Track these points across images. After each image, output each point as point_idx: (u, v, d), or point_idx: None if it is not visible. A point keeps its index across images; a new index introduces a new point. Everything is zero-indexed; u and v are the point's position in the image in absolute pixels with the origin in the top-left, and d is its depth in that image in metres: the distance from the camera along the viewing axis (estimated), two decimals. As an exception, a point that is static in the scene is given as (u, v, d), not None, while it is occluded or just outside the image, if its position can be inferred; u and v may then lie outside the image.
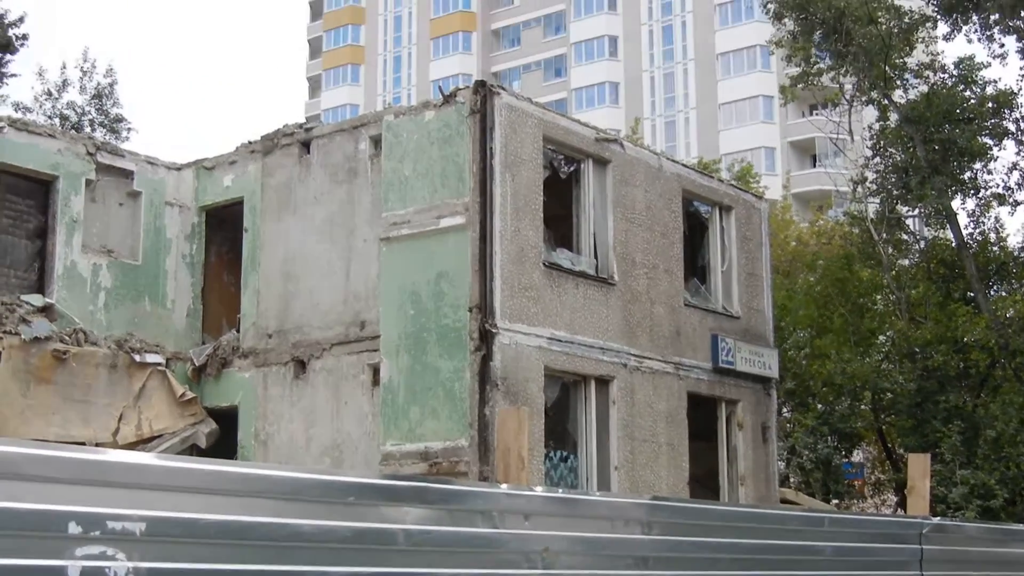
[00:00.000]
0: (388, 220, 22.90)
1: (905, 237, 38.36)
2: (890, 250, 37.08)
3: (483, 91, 22.27)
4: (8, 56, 40.41)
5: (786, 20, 37.21)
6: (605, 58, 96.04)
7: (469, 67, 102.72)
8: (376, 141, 23.73)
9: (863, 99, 37.71)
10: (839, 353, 35.11)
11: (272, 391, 24.36)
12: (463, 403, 21.38)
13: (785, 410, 38.44)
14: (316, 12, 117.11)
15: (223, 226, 26.60)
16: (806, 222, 53.57)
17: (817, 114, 59.85)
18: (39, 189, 24.46)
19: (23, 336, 22.39)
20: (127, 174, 25.68)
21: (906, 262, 38.34)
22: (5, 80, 41.25)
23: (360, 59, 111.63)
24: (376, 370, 22.73)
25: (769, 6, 37.17)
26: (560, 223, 24.32)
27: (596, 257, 24.23)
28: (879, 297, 39.00)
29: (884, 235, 36.53)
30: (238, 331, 25.35)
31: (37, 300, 23.58)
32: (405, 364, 22.17)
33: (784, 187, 66.04)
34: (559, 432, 23.23)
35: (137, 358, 24.07)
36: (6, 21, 39.90)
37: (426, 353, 21.95)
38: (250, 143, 25.90)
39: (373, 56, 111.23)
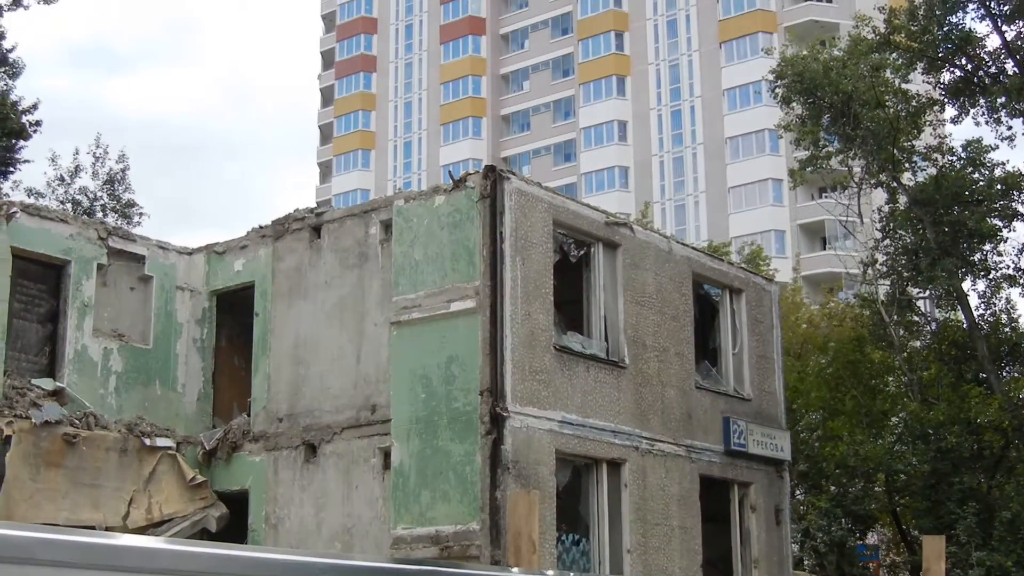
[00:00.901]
0: (399, 304, 22.93)
1: (916, 319, 38.34)
2: (901, 332, 37.04)
3: (493, 176, 22.37)
4: (22, 142, 40.72)
5: (794, 104, 37.49)
6: (614, 142, 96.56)
7: (479, 152, 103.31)
8: (387, 225, 23.81)
9: (872, 182, 37.90)
10: (852, 435, 34.97)
11: (283, 475, 24.27)
12: (474, 487, 21.28)
13: (798, 492, 38.22)
14: (327, 98, 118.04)
15: (234, 310, 26.64)
16: (817, 304, 53.55)
17: (826, 197, 60.01)
18: (51, 273, 24.55)
19: (34, 420, 22.36)
20: (138, 259, 25.77)
21: (918, 344, 38.29)
22: (19, 166, 41.55)
23: (371, 144, 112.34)
24: (387, 454, 22.65)
25: (777, 91, 37.47)
26: (570, 307, 24.32)
27: (607, 340, 24.21)
28: (891, 379, 38.91)
29: (895, 317, 36.51)
30: (248, 415, 25.31)
31: (48, 384, 23.58)
32: (416, 448, 22.10)
33: (794, 270, 66.15)
34: (571, 515, 23.08)
35: (147, 442, 24.02)
36: (20, 108, 40.25)
37: (437, 437, 21.88)
38: (261, 228, 25.99)
39: (384, 141, 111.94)
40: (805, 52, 37.69)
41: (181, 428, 25.41)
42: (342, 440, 23.51)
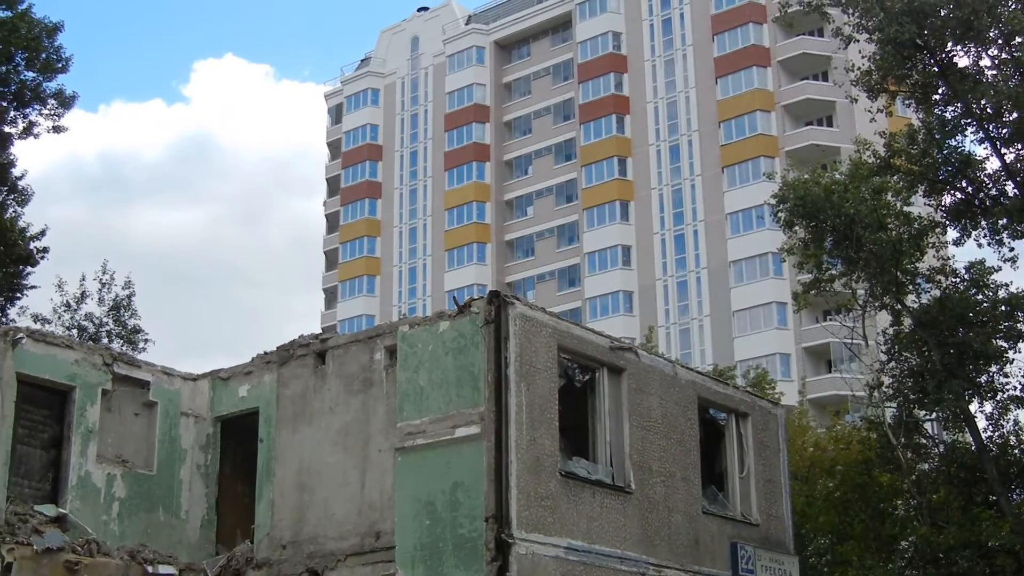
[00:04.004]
0: (403, 430, 22.84)
1: (924, 441, 38.10)
2: (909, 454, 36.79)
3: (497, 301, 22.41)
4: (29, 268, 40.92)
5: (797, 228, 37.65)
6: (619, 267, 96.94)
7: (484, 277, 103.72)
8: (391, 351, 23.81)
9: (876, 304, 37.91)
10: (861, 560, 34.62)
11: (286, 604, 23.98)
12: (479, 615, 21.02)
13: (808, 619, 37.70)
14: (332, 225, 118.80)
15: (238, 436, 26.55)
16: (823, 427, 53.28)
17: (831, 319, 60.06)
18: (56, 399, 24.52)
19: (35, 547, 22.20)
20: (143, 384, 25.77)
21: (926, 466, 38.00)
22: (25, 292, 41.70)
23: (376, 270, 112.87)
24: (391, 581, 22.41)
25: (779, 215, 37.63)
26: (576, 432, 24.22)
27: (612, 466, 24.07)
28: (900, 502, 38.55)
29: (902, 440, 36.30)
30: (252, 542, 25.11)
31: (50, 510, 23.44)
32: (420, 575, 21.86)
33: (800, 393, 65.90)
34: (578, 644, 22.77)
35: (150, 569, 23.79)
36: (28, 235, 40.53)
37: (442, 564, 21.66)
38: (266, 354, 26.00)
39: (389, 267, 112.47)
40: (807, 176, 37.94)
41: (184, 555, 25.19)
42: (346, 567, 23.29)
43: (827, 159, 67.66)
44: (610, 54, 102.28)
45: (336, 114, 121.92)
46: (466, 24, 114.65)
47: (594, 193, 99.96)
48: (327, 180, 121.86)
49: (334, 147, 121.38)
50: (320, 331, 29.36)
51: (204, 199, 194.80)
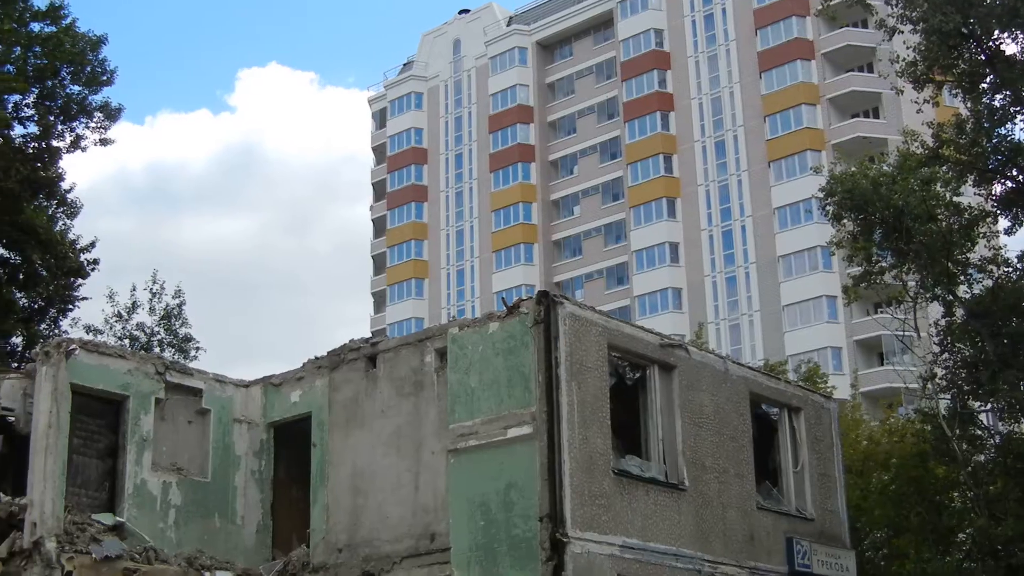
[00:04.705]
0: (455, 432, 22.87)
1: (979, 433, 37.75)
2: (964, 446, 36.46)
3: (546, 301, 22.40)
4: (80, 280, 41.28)
5: (845, 221, 37.40)
6: (667, 264, 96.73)
7: (532, 278, 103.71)
8: (441, 353, 23.85)
9: (927, 296, 37.60)
10: (918, 552, 34.38)
11: (342, 607, 24.07)
12: (536, 615, 21.02)
13: (866, 614, 37.44)
14: (379, 229, 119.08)
15: (291, 441, 26.66)
16: (877, 421, 52.95)
17: (882, 312, 59.68)
18: (110, 409, 24.73)
19: (94, 555, 22.40)
20: (196, 392, 25.92)
21: (982, 458, 37.66)
22: (77, 304, 42.08)
23: (424, 273, 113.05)
24: (447, 583, 22.45)
25: (828, 208, 37.40)
26: (628, 430, 24.19)
27: (665, 463, 24.02)
28: (956, 494, 38.24)
29: (957, 431, 35.99)
30: (308, 546, 25.22)
31: (107, 519, 23.64)
32: (476, 576, 21.91)
33: (852, 386, 65.49)
34: (635, 643, 22.73)
35: (207, 575, 23.94)
36: (78, 247, 40.87)
37: (497, 564, 21.68)
38: (317, 359, 26.10)
39: (436, 270, 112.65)
40: (854, 169, 37.69)
41: (241, 561, 25.33)
42: (402, 569, 23.36)
43: (874, 151, 67.05)
44: (653, 51, 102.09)
45: (380, 119, 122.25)
46: (507, 25, 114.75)
47: (640, 191, 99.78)
48: (373, 185, 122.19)
49: (379, 152, 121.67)
50: (370, 335, 29.46)
51: (252, 207, 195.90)
